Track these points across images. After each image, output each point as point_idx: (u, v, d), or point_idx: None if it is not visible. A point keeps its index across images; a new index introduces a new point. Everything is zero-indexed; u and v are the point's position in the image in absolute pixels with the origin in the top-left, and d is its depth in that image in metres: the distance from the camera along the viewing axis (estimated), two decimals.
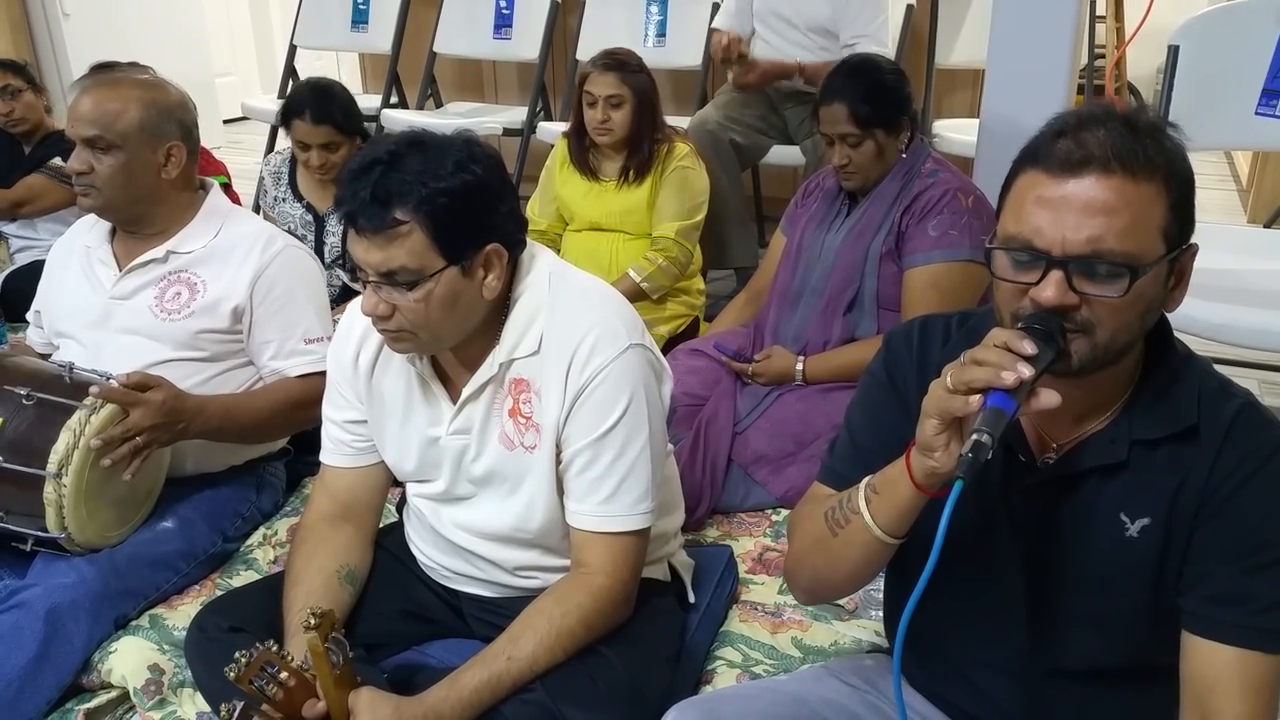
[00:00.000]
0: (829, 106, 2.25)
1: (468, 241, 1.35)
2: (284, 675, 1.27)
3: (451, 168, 1.32)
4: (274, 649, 1.27)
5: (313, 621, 1.25)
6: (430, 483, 1.54)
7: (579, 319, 1.43)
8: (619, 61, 2.81)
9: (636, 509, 1.45)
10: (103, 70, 1.92)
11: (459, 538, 1.54)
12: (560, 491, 1.47)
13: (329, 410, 1.61)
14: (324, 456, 1.62)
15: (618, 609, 1.44)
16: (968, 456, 0.94)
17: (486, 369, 1.44)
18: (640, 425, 1.44)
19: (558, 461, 1.46)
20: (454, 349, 1.46)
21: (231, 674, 1.24)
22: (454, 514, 1.55)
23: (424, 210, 1.30)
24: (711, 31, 3.65)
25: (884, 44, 3.43)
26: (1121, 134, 0.99)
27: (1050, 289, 0.99)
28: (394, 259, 1.31)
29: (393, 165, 1.31)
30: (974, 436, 0.94)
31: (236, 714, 1.28)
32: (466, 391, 1.45)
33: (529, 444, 1.45)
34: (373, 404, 1.55)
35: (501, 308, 1.45)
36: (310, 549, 1.54)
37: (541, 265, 1.48)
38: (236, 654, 1.24)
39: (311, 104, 2.77)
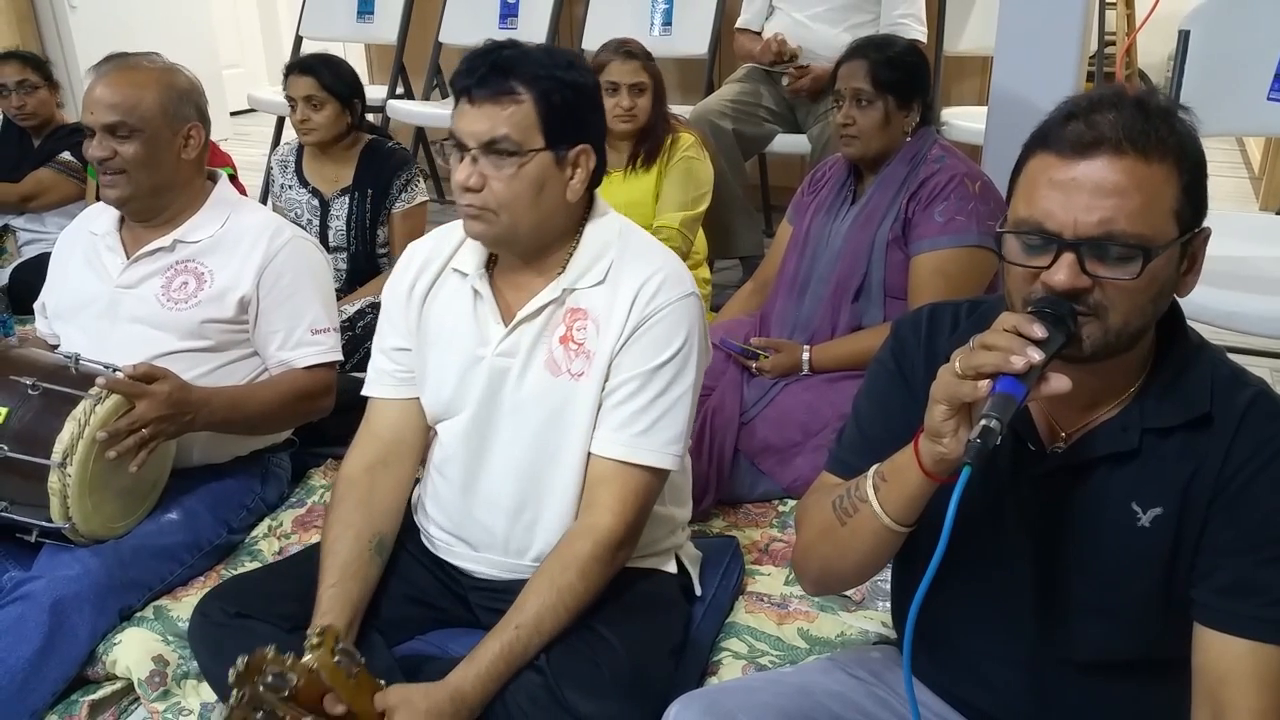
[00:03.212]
0: (850, 62, 2.26)
1: (568, 132, 1.43)
2: (289, 676, 1.25)
3: (568, 66, 1.43)
4: (269, 653, 1.25)
5: (315, 641, 1.25)
6: (461, 416, 1.54)
7: (649, 259, 1.51)
8: (638, 49, 2.83)
9: (669, 448, 1.48)
10: (117, 59, 1.92)
11: (478, 497, 1.54)
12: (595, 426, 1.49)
13: (378, 341, 1.64)
14: (368, 389, 1.64)
15: (615, 554, 1.45)
16: (976, 443, 0.93)
17: (550, 292, 1.49)
18: (689, 368, 1.48)
19: (600, 396, 1.48)
20: (521, 259, 1.51)
21: (231, 677, 1.24)
22: (478, 463, 1.54)
23: (540, 88, 1.40)
24: (737, 31, 3.64)
25: (924, 23, 3.41)
26: (1133, 115, 0.98)
27: (1062, 272, 0.98)
28: (499, 127, 1.39)
29: (517, 49, 1.42)
30: (982, 422, 0.93)
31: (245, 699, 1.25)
32: (524, 311, 1.49)
33: (576, 370, 1.48)
34: (421, 333, 1.58)
35: (573, 236, 1.51)
36: (348, 510, 1.55)
37: (612, 214, 1.57)
38: (237, 660, 1.24)
39: (303, 60, 2.97)
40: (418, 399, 1.61)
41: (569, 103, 1.41)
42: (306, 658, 1.24)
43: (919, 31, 3.40)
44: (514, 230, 1.45)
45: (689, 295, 1.49)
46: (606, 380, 1.48)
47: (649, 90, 2.80)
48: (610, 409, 1.47)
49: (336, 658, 1.26)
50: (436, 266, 1.57)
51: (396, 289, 1.61)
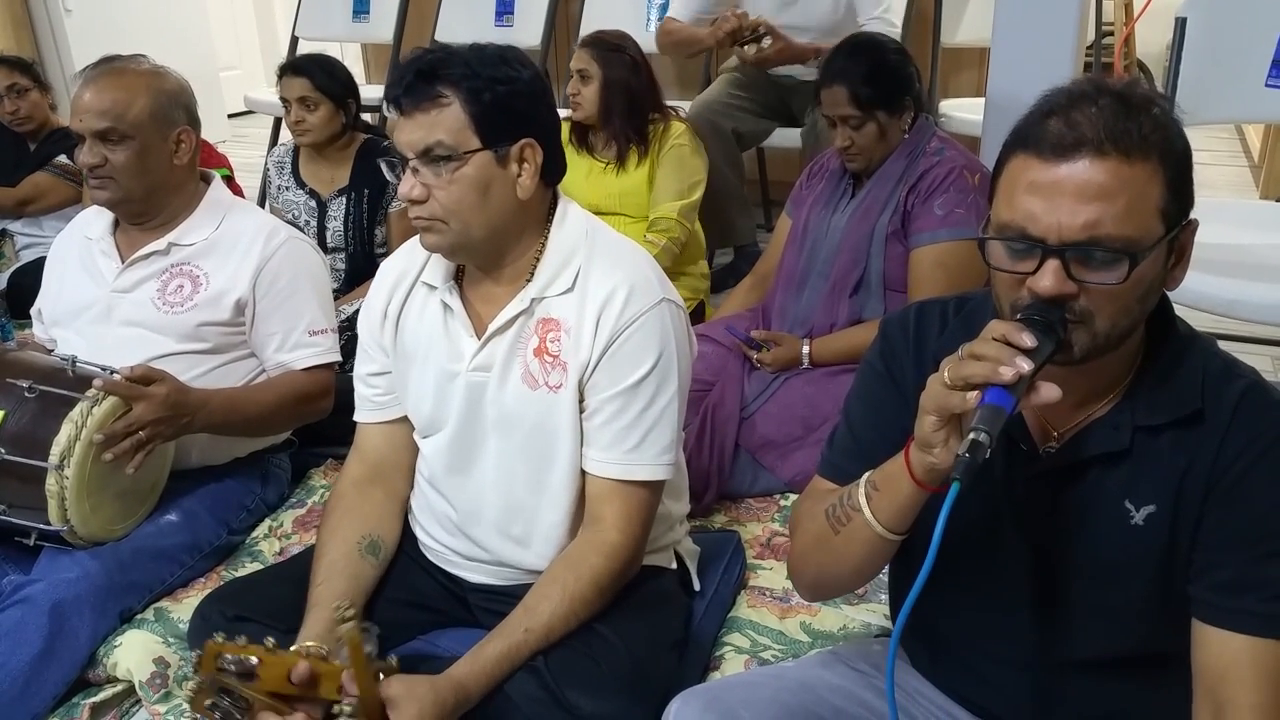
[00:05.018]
0: (829, 89, 2.23)
1: (505, 129, 1.39)
2: (247, 659, 1.25)
3: (498, 61, 1.39)
4: (218, 639, 1.26)
5: (350, 614, 1.25)
6: (443, 433, 1.54)
7: (616, 265, 1.46)
8: (598, 40, 2.89)
9: (661, 459, 1.47)
10: (104, 63, 1.91)
11: (468, 514, 1.53)
12: (581, 438, 1.47)
13: (358, 368, 1.64)
14: (355, 416, 1.66)
15: (628, 567, 1.46)
16: (964, 457, 0.92)
17: (518, 303, 1.45)
18: (670, 377, 1.46)
19: (579, 409, 1.46)
20: (484, 271, 1.48)
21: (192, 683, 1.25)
22: (464, 480, 1.53)
23: (466, 87, 1.36)
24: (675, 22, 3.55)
25: (895, 25, 3.39)
26: (1114, 111, 0.95)
27: (1048, 279, 0.95)
28: (432, 134, 1.36)
29: (443, 51, 1.39)
30: (971, 436, 0.92)
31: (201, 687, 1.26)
32: (494, 325, 1.46)
33: (554, 383, 1.46)
34: (397, 351, 1.56)
35: (537, 240, 1.47)
36: (337, 519, 1.55)
37: (578, 214, 1.52)
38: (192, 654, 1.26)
39: (296, 61, 2.97)
40: (402, 419, 1.61)
41: (501, 99, 1.37)
42: (342, 628, 1.23)
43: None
44: (467, 236, 1.42)
45: (660, 302, 1.45)
46: (582, 394, 1.45)
47: (594, 81, 2.84)
48: (598, 428, 1.45)
49: (368, 646, 1.26)
50: (409, 281, 1.55)
51: (371, 312, 1.59)
